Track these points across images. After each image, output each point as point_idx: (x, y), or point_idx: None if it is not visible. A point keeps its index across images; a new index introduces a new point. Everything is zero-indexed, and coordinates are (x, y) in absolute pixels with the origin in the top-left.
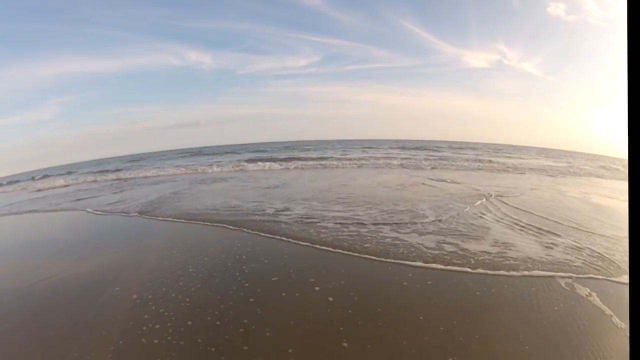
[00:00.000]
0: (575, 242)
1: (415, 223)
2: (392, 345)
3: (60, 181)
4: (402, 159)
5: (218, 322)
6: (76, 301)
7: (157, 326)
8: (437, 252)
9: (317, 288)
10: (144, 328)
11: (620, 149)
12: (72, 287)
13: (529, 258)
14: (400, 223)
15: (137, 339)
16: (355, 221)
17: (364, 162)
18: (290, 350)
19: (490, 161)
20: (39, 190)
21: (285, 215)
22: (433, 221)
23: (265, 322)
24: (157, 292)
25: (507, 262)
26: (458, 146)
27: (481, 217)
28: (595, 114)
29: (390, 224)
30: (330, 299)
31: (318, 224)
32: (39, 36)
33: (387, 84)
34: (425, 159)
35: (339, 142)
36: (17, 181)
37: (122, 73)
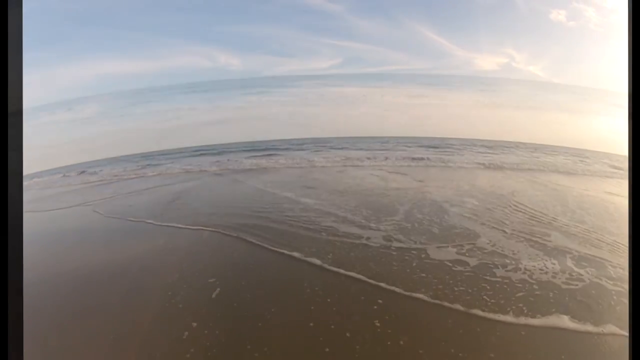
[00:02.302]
0: None
1: None
2: None
3: (98, 175)
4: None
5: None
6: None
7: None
8: None
9: None
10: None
11: (622, 148)
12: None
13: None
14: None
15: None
16: None
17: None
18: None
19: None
20: (99, 181)
21: None
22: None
23: None
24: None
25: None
26: (471, 144)
27: None
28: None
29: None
30: None
31: None
32: (81, 39)
33: (403, 85)
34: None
35: (358, 139)
36: (39, 178)
37: (157, 74)
